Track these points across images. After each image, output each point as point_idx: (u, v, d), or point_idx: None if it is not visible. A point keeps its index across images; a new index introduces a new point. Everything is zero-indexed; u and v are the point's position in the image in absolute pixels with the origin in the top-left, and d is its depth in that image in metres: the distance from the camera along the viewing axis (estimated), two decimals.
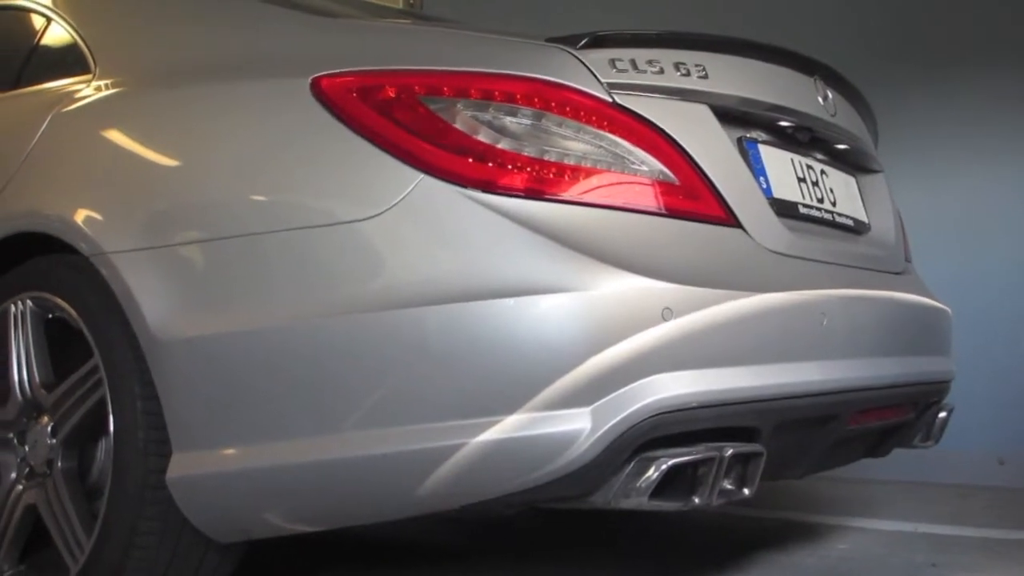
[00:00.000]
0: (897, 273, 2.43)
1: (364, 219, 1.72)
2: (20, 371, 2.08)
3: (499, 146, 1.73)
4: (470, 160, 1.72)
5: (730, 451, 1.73)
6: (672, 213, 1.81)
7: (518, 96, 1.77)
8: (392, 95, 1.78)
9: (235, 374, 1.79)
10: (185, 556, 1.90)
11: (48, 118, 2.20)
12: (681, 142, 1.86)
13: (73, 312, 1.99)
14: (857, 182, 2.50)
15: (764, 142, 2.12)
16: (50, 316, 2.08)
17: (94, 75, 2.24)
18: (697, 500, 1.72)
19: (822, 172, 2.30)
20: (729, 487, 1.79)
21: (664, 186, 1.82)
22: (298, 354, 1.73)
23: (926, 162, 4.05)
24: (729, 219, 1.89)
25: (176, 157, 2.00)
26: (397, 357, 1.67)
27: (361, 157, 1.76)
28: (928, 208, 3.88)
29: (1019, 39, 3.95)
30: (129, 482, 1.86)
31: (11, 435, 2.10)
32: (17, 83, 2.51)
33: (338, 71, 1.83)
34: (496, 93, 1.77)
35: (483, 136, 1.74)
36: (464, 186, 1.70)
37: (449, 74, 1.79)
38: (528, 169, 1.72)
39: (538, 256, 1.66)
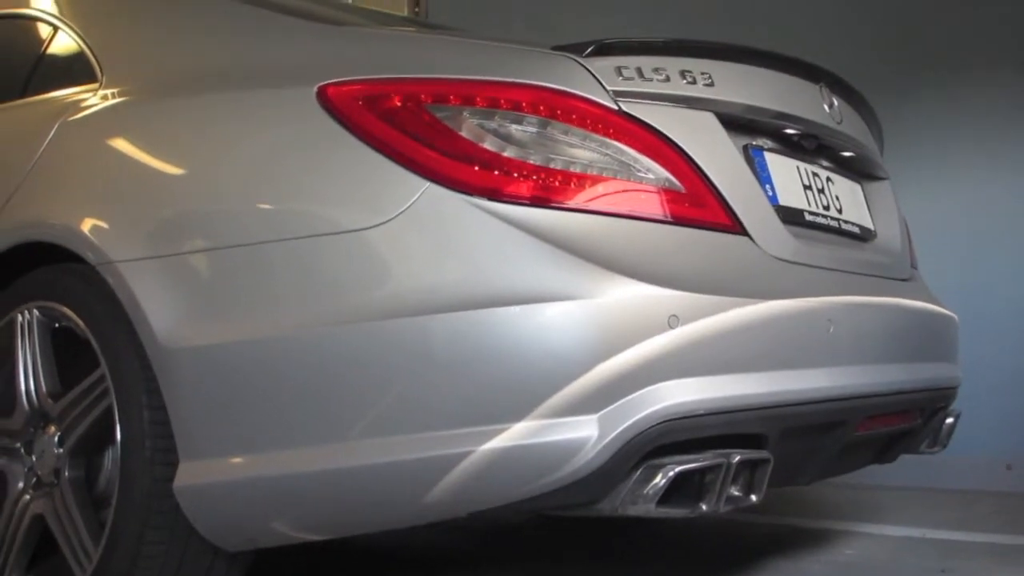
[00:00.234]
0: (903, 280, 2.43)
1: (370, 227, 1.72)
2: (27, 381, 2.09)
3: (505, 154, 1.73)
4: (476, 168, 1.72)
5: (737, 458, 1.73)
6: (678, 221, 1.81)
7: (524, 104, 1.77)
8: (398, 103, 1.78)
9: (242, 383, 1.79)
10: (192, 565, 1.90)
11: (55, 127, 2.21)
12: (687, 150, 1.86)
13: (80, 321, 2.00)
14: (863, 189, 2.50)
15: (770, 150, 2.12)
16: (57, 325, 2.08)
17: (101, 84, 2.25)
18: (704, 507, 1.72)
19: (828, 179, 2.30)
20: (736, 494, 1.79)
21: (670, 194, 1.82)
22: (305, 362, 1.73)
23: (931, 169, 4.05)
24: (735, 227, 1.89)
25: (182, 166, 2.00)
26: (404, 365, 1.67)
27: (367, 165, 1.76)
28: (934, 215, 3.87)
29: None
30: (136, 491, 1.86)
31: (18, 445, 2.10)
32: (24, 92, 2.51)
33: (344, 79, 1.83)
34: (502, 101, 1.77)
35: (489, 144, 1.74)
36: (470, 194, 1.71)
37: (455, 82, 1.79)
38: (534, 177, 1.73)
39: (544, 264, 1.66)
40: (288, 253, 1.79)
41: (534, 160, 1.74)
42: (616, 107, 1.82)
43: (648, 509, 1.68)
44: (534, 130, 1.76)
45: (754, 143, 2.08)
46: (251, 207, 1.87)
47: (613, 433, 1.60)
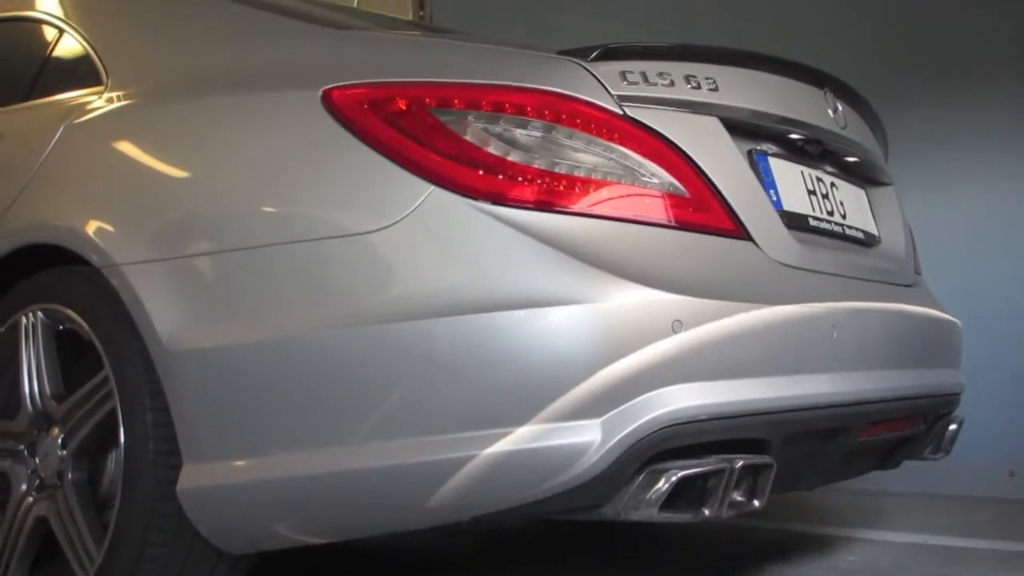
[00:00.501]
0: (907, 285, 2.42)
1: (375, 231, 1.72)
2: (31, 383, 2.09)
3: (510, 158, 1.73)
4: (481, 172, 1.72)
5: (740, 463, 1.72)
6: (682, 225, 1.81)
7: (529, 108, 1.77)
8: (403, 107, 1.78)
9: (246, 385, 1.79)
10: (195, 567, 1.90)
11: (60, 129, 2.21)
12: (691, 154, 1.86)
13: (84, 324, 2.00)
14: (867, 194, 2.50)
15: (774, 155, 2.12)
16: (61, 328, 2.09)
17: (106, 87, 2.25)
18: (707, 512, 1.72)
19: (832, 185, 2.30)
20: (739, 499, 1.79)
21: (674, 198, 1.82)
22: (309, 366, 1.73)
23: (936, 174, 4.05)
24: (739, 231, 1.89)
25: (187, 169, 2.00)
26: (407, 369, 1.67)
27: (372, 169, 1.76)
28: (937, 220, 3.87)
29: None
30: (139, 493, 1.86)
31: (22, 447, 2.11)
32: (30, 94, 2.52)
33: (349, 83, 1.83)
34: (507, 105, 1.77)
35: (494, 148, 1.74)
36: (475, 198, 1.71)
37: (460, 86, 1.80)
38: (538, 181, 1.73)
39: (548, 268, 1.66)
40: (292, 256, 1.79)
41: (538, 164, 1.74)
42: (621, 112, 1.82)
43: (651, 514, 1.68)
44: (539, 134, 1.76)
45: (758, 148, 2.08)
46: (255, 210, 1.87)
47: (616, 437, 1.60)
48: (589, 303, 1.63)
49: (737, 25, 4.37)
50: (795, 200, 2.12)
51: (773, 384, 1.79)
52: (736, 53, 2.05)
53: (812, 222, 2.15)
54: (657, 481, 1.67)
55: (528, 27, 4.92)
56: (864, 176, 2.51)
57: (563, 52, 1.86)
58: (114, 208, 2.03)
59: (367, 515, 1.79)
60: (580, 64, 1.83)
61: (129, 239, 1.95)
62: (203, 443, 1.82)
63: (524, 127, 1.76)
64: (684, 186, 1.84)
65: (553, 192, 1.73)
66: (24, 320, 2.10)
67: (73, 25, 2.49)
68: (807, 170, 2.21)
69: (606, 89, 1.82)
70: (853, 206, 2.37)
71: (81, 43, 2.42)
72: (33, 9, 2.67)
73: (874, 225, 2.46)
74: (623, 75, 1.85)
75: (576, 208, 1.73)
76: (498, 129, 1.75)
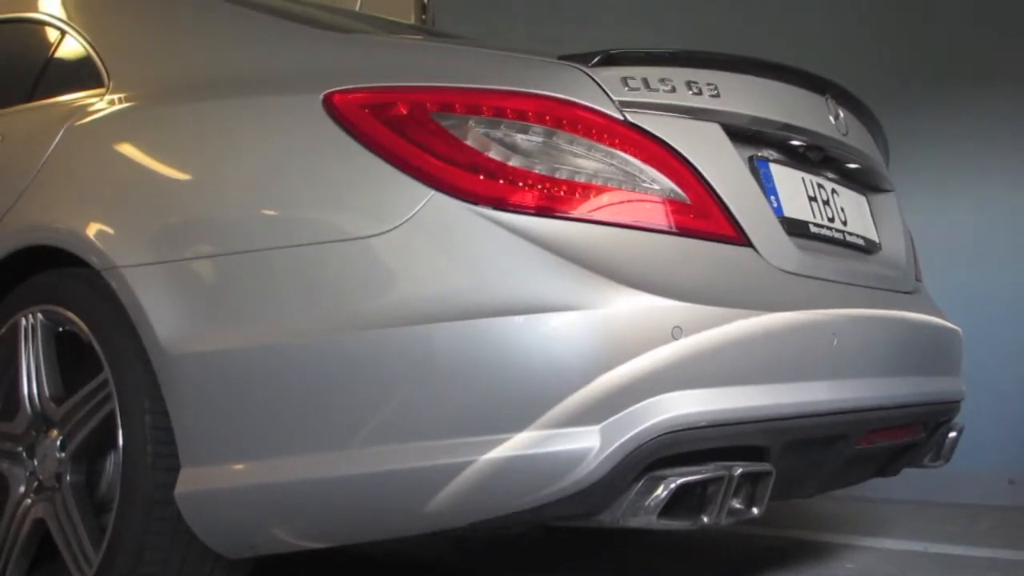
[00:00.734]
0: (908, 293, 2.42)
1: (375, 235, 1.72)
2: (30, 384, 2.09)
3: (510, 163, 1.73)
4: (481, 177, 1.72)
5: (739, 470, 1.72)
6: (683, 232, 1.81)
7: (530, 113, 1.77)
8: (404, 111, 1.78)
9: (244, 389, 1.79)
10: (193, 571, 1.90)
11: (61, 131, 2.21)
12: (692, 161, 1.86)
13: (83, 326, 2.00)
14: (868, 201, 2.50)
15: (775, 161, 2.12)
16: (60, 330, 2.09)
17: (107, 89, 2.25)
18: (706, 519, 1.72)
19: (833, 191, 2.30)
20: (738, 506, 1.78)
21: (675, 205, 1.82)
22: (308, 369, 1.73)
23: (937, 181, 4.05)
24: (739, 238, 1.89)
25: (188, 172, 2.00)
26: (406, 374, 1.67)
27: (372, 173, 1.76)
28: (938, 227, 3.87)
29: None
30: (138, 496, 1.86)
31: (20, 449, 2.11)
32: (31, 96, 2.52)
33: (350, 87, 1.83)
34: (508, 110, 1.77)
35: (494, 153, 1.74)
36: (475, 203, 1.71)
37: (461, 91, 1.79)
38: (539, 187, 1.73)
39: (548, 274, 1.66)
40: (292, 260, 1.79)
41: (539, 170, 1.74)
42: (622, 117, 1.82)
43: (649, 521, 1.68)
44: (539, 140, 1.76)
45: (759, 154, 2.08)
46: (256, 213, 1.87)
47: (615, 444, 1.60)
48: (589, 309, 1.63)
49: (741, 30, 4.38)
50: (796, 207, 2.11)
51: (773, 391, 1.78)
52: (737, 59, 2.05)
53: (813, 229, 2.14)
54: (656, 488, 1.67)
55: (530, 32, 4.92)
56: (865, 183, 2.51)
57: (564, 57, 1.86)
58: (115, 210, 2.03)
59: (365, 520, 1.78)
60: (581, 69, 1.83)
61: (129, 242, 1.95)
62: (201, 447, 1.82)
63: (525, 132, 1.76)
64: (685, 192, 1.83)
65: (554, 197, 1.73)
66: (24, 321, 2.10)
67: (75, 27, 2.49)
68: (808, 176, 2.21)
69: (607, 95, 1.82)
70: (854, 213, 2.37)
71: (83, 45, 2.42)
72: (35, 11, 2.67)
73: (875, 232, 2.46)
74: (624, 81, 1.85)
75: (576, 214, 1.73)
76: (499, 134, 1.75)
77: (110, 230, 1.99)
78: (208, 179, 1.96)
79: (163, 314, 1.85)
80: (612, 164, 1.79)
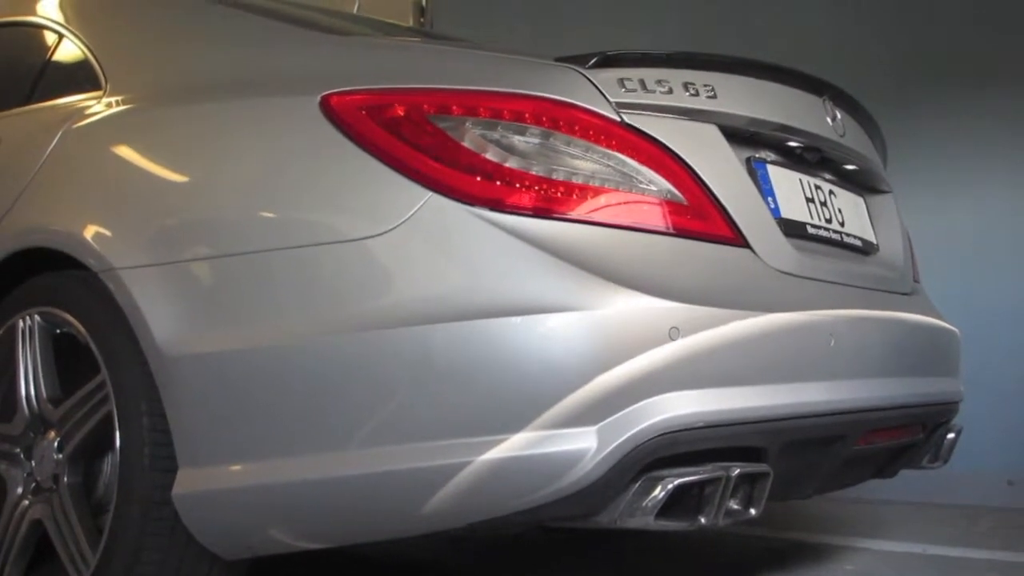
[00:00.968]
0: (906, 294, 2.42)
1: (372, 236, 1.72)
2: (27, 386, 2.09)
3: (507, 165, 1.73)
4: (478, 178, 1.72)
5: (737, 471, 1.72)
6: (680, 233, 1.81)
7: (527, 115, 1.77)
8: (401, 113, 1.78)
9: (242, 390, 1.79)
10: (190, 572, 1.90)
11: (59, 134, 2.21)
12: (689, 162, 1.86)
13: (81, 327, 2.00)
14: (866, 202, 2.50)
15: (773, 162, 2.12)
16: (58, 331, 2.09)
17: (105, 91, 2.25)
18: (703, 520, 1.72)
19: (831, 192, 2.30)
20: (735, 507, 1.78)
21: (672, 206, 1.82)
22: (305, 371, 1.73)
23: (936, 182, 4.05)
24: (737, 239, 1.89)
25: (185, 173, 2.00)
26: (404, 375, 1.67)
27: (370, 175, 1.76)
28: (937, 228, 3.87)
29: None
30: (135, 498, 1.85)
31: (18, 450, 2.11)
32: (30, 99, 2.52)
33: (347, 89, 1.83)
34: (505, 112, 1.77)
35: (491, 155, 1.74)
36: (472, 204, 1.71)
37: (458, 93, 1.80)
38: (536, 188, 1.73)
39: (545, 275, 1.66)
40: (290, 261, 1.79)
41: (536, 171, 1.74)
42: (619, 119, 1.82)
43: (647, 522, 1.68)
44: (536, 141, 1.76)
45: (757, 156, 2.08)
46: (253, 215, 1.87)
47: (612, 445, 1.60)
48: (586, 310, 1.63)
49: (740, 32, 4.38)
50: (793, 208, 2.11)
51: (770, 392, 1.78)
52: (735, 61, 2.05)
53: (810, 230, 2.14)
54: (653, 489, 1.67)
55: (530, 34, 4.92)
56: (863, 184, 2.51)
57: (561, 59, 1.86)
58: (112, 213, 2.03)
59: (362, 521, 1.78)
60: (578, 71, 1.83)
61: (127, 244, 1.95)
62: (199, 448, 1.82)
63: (522, 134, 1.76)
64: (682, 193, 1.84)
65: (550, 199, 1.73)
66: (21, 323, 2.11)
67: (73, 30, 2.49)
68: (805, 178, 2.21)
69: (604, 96, 1.82)
70: (851, 214, 2.37)
71: (80, 48, 2.43)
72: (33, 14, 2.67)
73: (872, 233, 2.46)
74: (621, 82, 1.85)
75: (573, 215, 1.73)
76: (496, 136, 1.75)
77: (107, 232, 1.99)
78: (205, 181, 1.96)
79: (160, 316, 1.85)
80: (609, 165, 1.79)
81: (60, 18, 2.57)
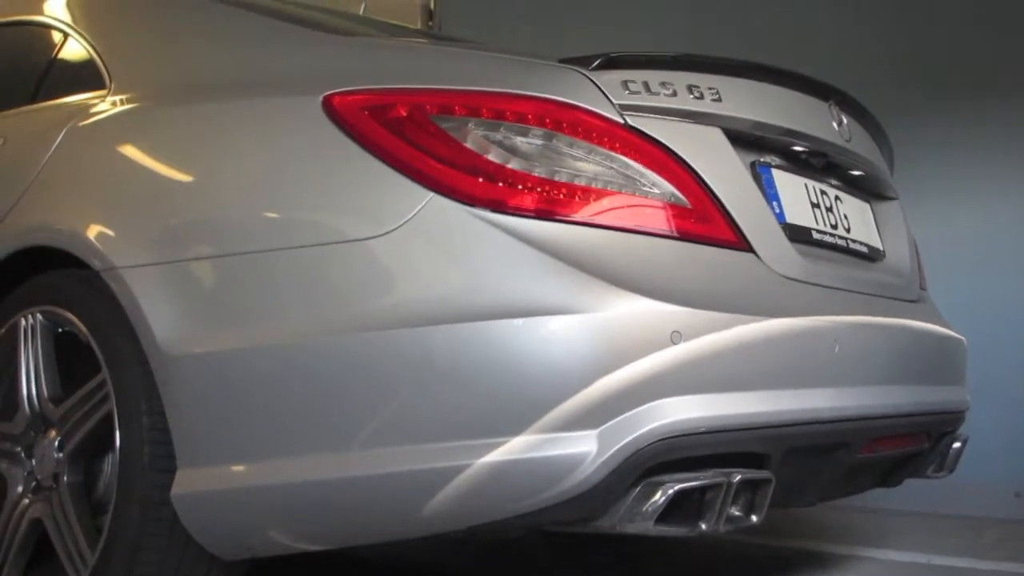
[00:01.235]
0: (912, 301, 2.41)
1: (374, 237, 1.72)
2: (29, 385, 2.09)
3: (510, 166, 1.73)
4: (480, 180, 1.71)
5: (738, 477, 1.71)
6: (683, 236, 1.80)
7: (529, 116, 1.76)
8: (403, 114, 1.78)
9: (242, 391, 1.78)
10: (189, 572, 1.89)
11: (62, 133, 2.22)
12: (693, 165, 1.85)
13: (82, 327, 2.00)
14: (872, 209, 2.49)
15: (778, 167, 2.11)
16: (60, 330, 2.09)
17: (109, 90, 2.25)
18: (704, 526, 1.70)
19: (836, 198, 2.29)
20: (737, 514, 1.77)
21: (675, 209, 1.81)
22: (306, 371, 1.73)
23: (942, 189, 4.03)
24: (741, 243, 1.88)
25: (188, 173, 2.00)
26: (404, 376, 1.66)
27: (372, 175, 1.76)
28: (944, 235, 3.85)
29: None
30: (134, 497, 1.85)
31: (18, 448, 2.11)
32: (33, 98, 2.52)
33: (350, 89, 1.83)
34: (508, 113, 1.76)
35: (494, 156, 1.73)
36: (474, 205, 1.70)
37: (461, 93, 1.79)
38: (538, 190, 1.72)
39: (547, 277, 1.65)
40: (291, 262, 1.78)
41: (539, 173, 1.73)
42: (622, 121, 1.81)
43: (647, 527, 1.67)
44: (539, 142, 1.76)
45: (762, 160, 2.07)
46: (255, 215, 1.86)
47: (612, 449, 1.59)
48: (588, 313, 1.62)
49: (740, 32, 4.37)
50: (798, 213, 2.10)
51: (773, 398, 1.77)
52: (740, 63, 2.05)
53: (815, 235, 2.13)
54: (654, 494, 1.66)
55: (536, 37, 4.92)
56: (869, 190, 2.50)
57: (565, 60, 1.86)
58: (115, 212, 2.03)
59: (362, 523, 1.78)
60: (582, 73, 1.82)
61: (129, 243, 1.95)
62: (199, 448, 1.81)
63: (525, 135, 1.76)
64: (685, 196, 1.83)
65: (553, 201, 1.72)
66: (23, 322, 2.10)
67: (77, 30, 2.49)
68: (811, 183, 2.20)
69: (608, 98, 1.81)
70: (857, 220, 2.35)
71: (85, 47, 2.43)
72: (38, 14, 2.68)
73: (878, 239, 2.44)
74: (625, 84, 1.84)
75: (576, 217, 1.72)
76: (498, 137, 1.75)
77: (110, 231, 1.98)
78: (208, 181, 1.96)
79: (162, 315, 1.85)
80: (612, 167, 1.78)
81: (65, 17, 2.57)
